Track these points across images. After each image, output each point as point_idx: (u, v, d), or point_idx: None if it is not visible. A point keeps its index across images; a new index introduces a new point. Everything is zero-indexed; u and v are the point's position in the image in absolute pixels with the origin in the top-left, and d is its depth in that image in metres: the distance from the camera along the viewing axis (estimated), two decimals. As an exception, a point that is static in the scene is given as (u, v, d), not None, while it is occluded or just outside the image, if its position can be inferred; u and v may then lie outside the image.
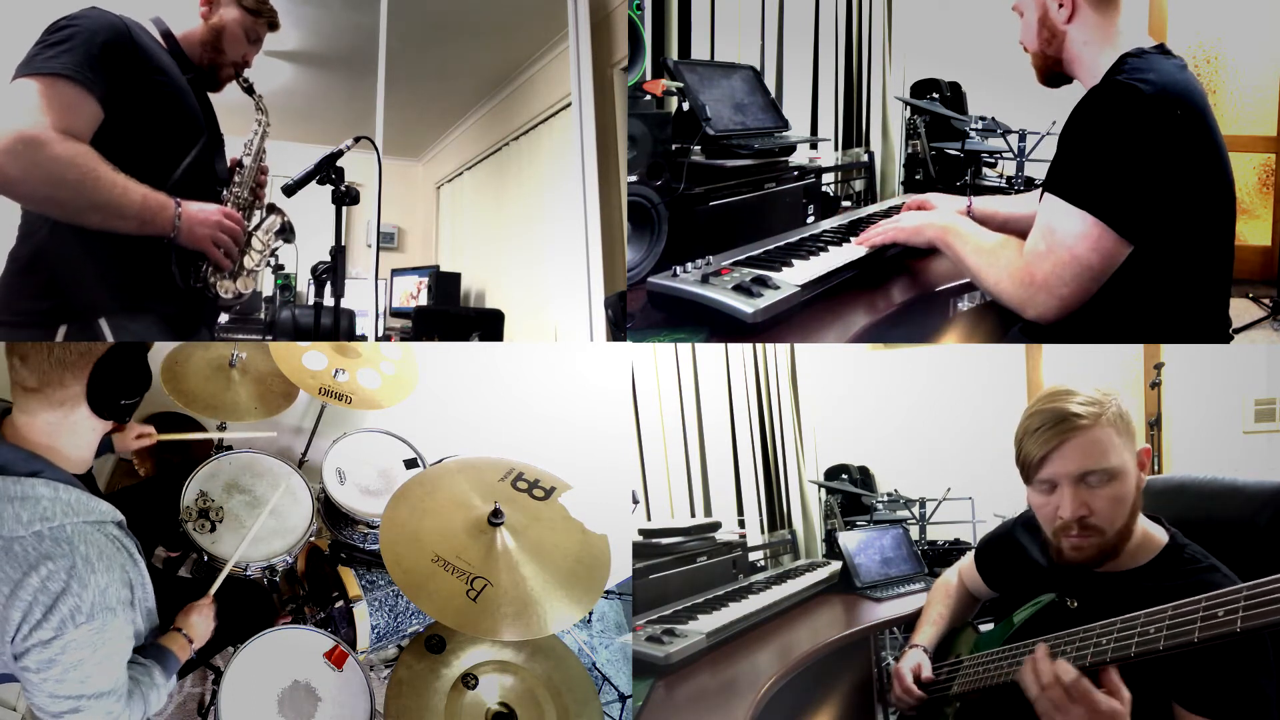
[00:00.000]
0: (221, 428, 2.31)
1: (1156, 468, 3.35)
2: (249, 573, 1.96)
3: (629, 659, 2.46)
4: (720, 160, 2.18)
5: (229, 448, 2.30)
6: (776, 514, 3.40)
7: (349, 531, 2.20)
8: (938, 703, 1.71)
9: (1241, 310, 3.44)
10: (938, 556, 3.13)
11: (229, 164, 2.00)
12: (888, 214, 2.29)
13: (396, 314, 3.85)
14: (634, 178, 2.08)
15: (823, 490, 3.57)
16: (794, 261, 1.95)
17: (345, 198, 2.03)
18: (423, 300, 3.87)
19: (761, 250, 2.06)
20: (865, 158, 3.42)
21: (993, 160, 3.26)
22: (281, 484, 2.07)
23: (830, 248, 2.06)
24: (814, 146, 2.97)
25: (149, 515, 1.86)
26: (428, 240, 4.18)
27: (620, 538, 2.13)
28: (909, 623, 2.17)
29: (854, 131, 3.45)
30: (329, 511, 2.20)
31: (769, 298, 1.73)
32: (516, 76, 3.91)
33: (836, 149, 3.36)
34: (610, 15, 3.51)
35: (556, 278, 3.55)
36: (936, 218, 1.97)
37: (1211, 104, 1.65)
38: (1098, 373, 3.61)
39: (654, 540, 2.38)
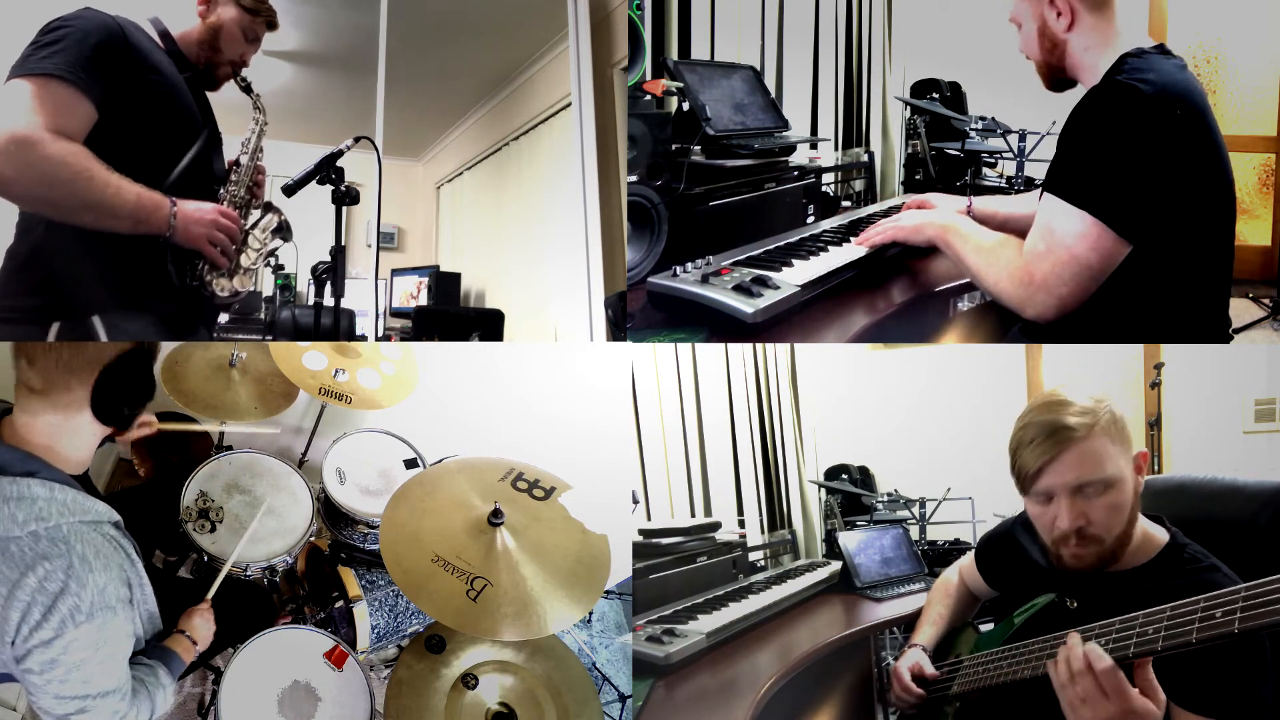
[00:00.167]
0: (222, 432, 2.32)
1: (1156, 468, 3.35)
2: (249, 573, 1.96)
3: (629, 659, 2.46)
4: (720, 160, 2.18)
5: (229, 448, 2.30)
6: (776, 514, 3.40)
7: (349, 531, 2.20)
8: (938, 703, 1.71)
9: (1241, 310, 3.44)
10: (938, 556, 3.13)
11: (227, 163, 2.00)
12: (888, 214, 2.29)
13: (396, 314, 3.85)
14: (634, 178, 2.08)
15: (823, 490, 3.57)
16: (794, 261, 1.95)
17: (345, 198, 2.03)
18: (423, 300, 3.87)
19: (761, 250, 2.06)
20: (865, 158, 3.42)
21: (993, 160, 3.26)
22: (281, 486, 2.06)
23: (830, 248, 2.06)
24: (814, 146, 2.97)
25: (147, 518, 1.86)
26: (428, 240, 4.18)
27: (620, 538, 2.13)
28: (909, 623, 2.17)
29: (854, 131, 3.45)
30: (329, 511, 2.20)
31: (769, 298, 1.73)
32: (516, 76, 3.91)
33: (836, 149, 3.36)
34: (610, 15, 3.51)
35: (556, 278, 3.54)
36: (936, 217, 1.97)
37: (1211, 104, 1.65)
38: (1098, 373, 3.61)
39: (654, 540, 2.38)
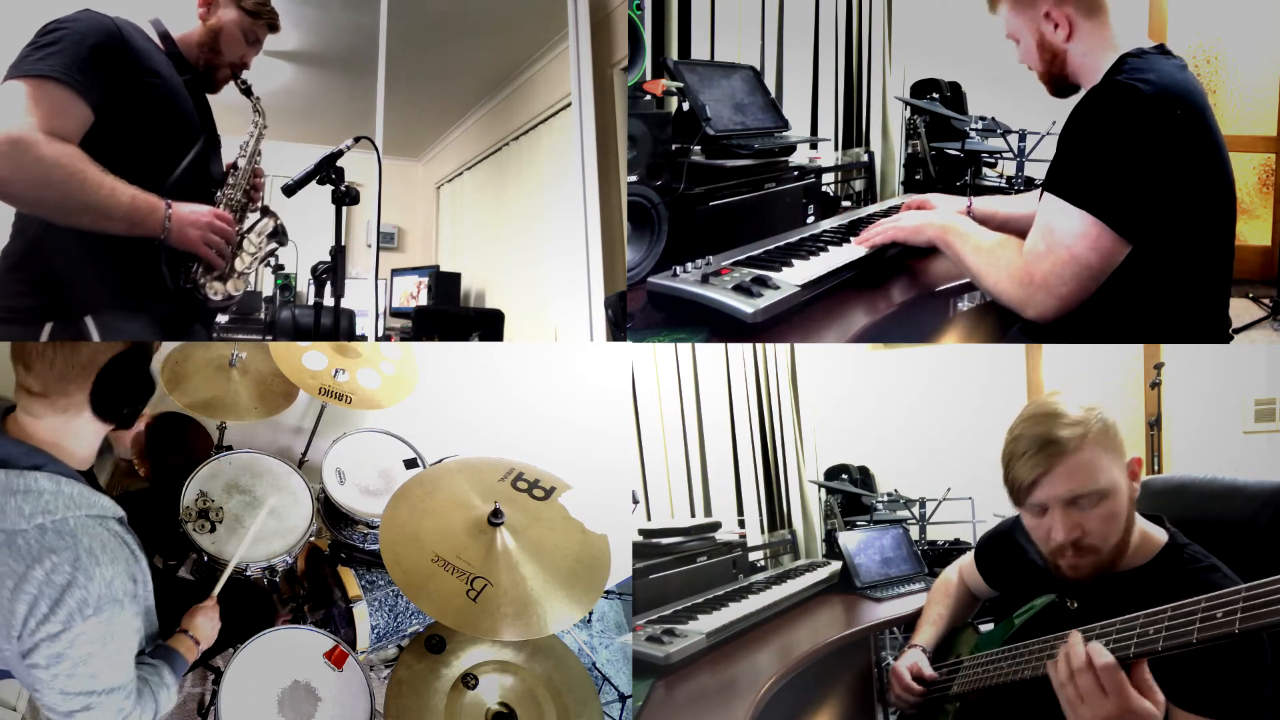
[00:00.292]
0: (222, 432, 2.32)
1: (1156, 467, 3.35)
2: (249, 573, 1.96)
3: (629, 659, 2.46)
4: (720, 160, 2.18)
5: (229, 448, 2.30)
6: (776, 514, 3.40)
7: (349, 531, 2.20)
8: (938, 703, 1.71)
9: (1241, 310, 3.44)
10: (938, 556, 3.13)
11: (225, 166, 2.00)
12: (887, 214, 2.29)
13: (396, 314, 3.85)
14: (634, 178, 2.08)
15: (823, 490, 3.57)
16: (794, 261, 1.95)
17: (345, 198, 2.03)
18: (423, 300, 3.87)
19: (761, 250, 2.06)
20: (865, 158, 3.42)
21: (993, 160, 3.26)
22: (281, 486, 2.06)
23: (830, 248, 2.06)
24: (814, 146, 2.97)
25: (146, 523, 1.86)
26: (428, 240, 4.18)
27: (620, 538, 2.13)
28: (909, 623, 2.17)
29: (854, 131, 3.45)
30: (329, 511, 2.20)
31: (769, 298, 1.73)
32: (516, 76, 3.91)
33: (836, 149, 3.36)
34: (610, 15, 3.51)
35: (556, 278, 3.54)
36: (936, 217, 1.97)
37: (1211, 104, 1.65)
38: (1097, 373, 3.62)
39: (654, 540, 2.38)
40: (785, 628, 2.25)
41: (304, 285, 3.45)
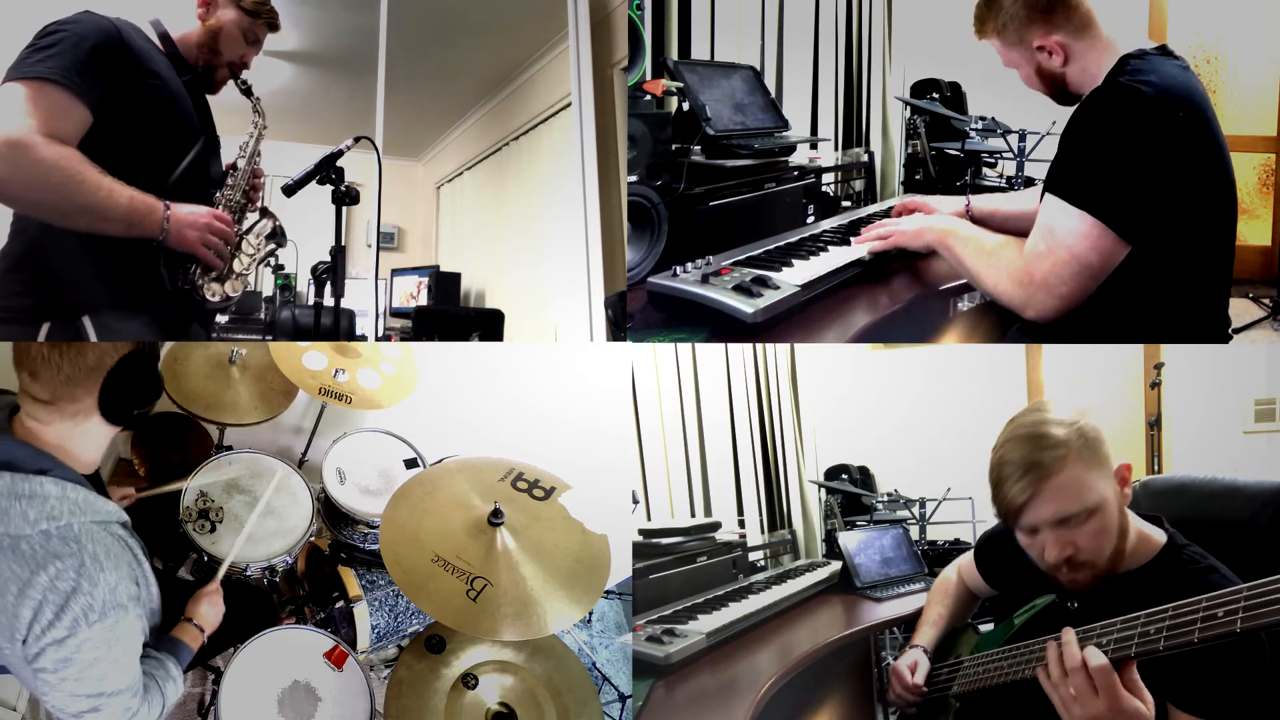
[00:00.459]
0: (222, 432, 2.32)
1: (1156, 467, 3.35)
2: (249, 573, 1.96)
3: (629, 659, 2.46)
4: (720, 160, 2.18)
5: (229, 448, 2.30)
6: (776, 514, 3.40)
7: (349, 531, 2.20)
8: (938, 703, 1.71)
9: (1241, 310, 3.44)
10: (938, 556, 3.13)
11: (224, 166, 2.00)
12: (887, 214, 2.30)
13: (396, 314, 3.85)
14: (634, 178, 2.08)
15: (823, 490, 3.57)
16: (794, 261, 1.95)
17: (345, 198, 2.03)
18: (423, 300, 3.87)
19: (761, 250, 2.06)
20: (865, 158, 3.42)
21: (993, 160, 3.26)
22: (276, 476, 2.04)
23: (830, 248, 2.06)
24: (814, 146, 2.97)
25: (146, 526, 1.86)
26: (428, 240, 4.18)
27: (620, 538, 2.13)
28: (909, 623, 2.17)
29: (854, 131, 3.45)
30: (329, 511, 2.20)
31: (769, 298, 1.73)
32: (516, 76, 3.91)
33: (836, 149, 3.36)
34: (610, 15, 3.51)
35: (556, 278, 3.54)
36: (936, 221, 1.97)
37: (1212, 104, 1.65)
38: (1097, 373, 3.62)
39: (654, 540, 2.38)
40: (785, 628, 2.25)
41: (304, 285, 3.45)
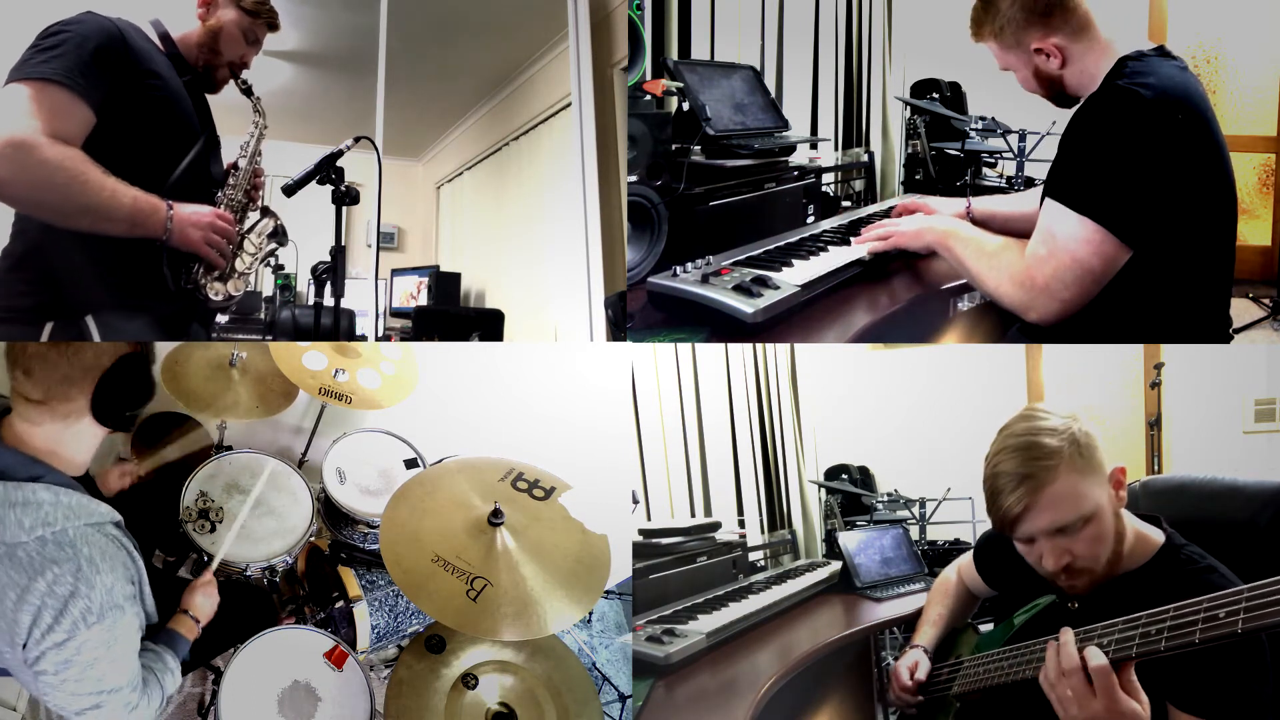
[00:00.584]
0: (222, 432, 2.32)
1: (1156, 468, 3.35)
2: (249, 573, 1.96)
3: (629, 659, 2.46)
4: (720, 160, 2.18)
5: (229, 448, 2.30)
6: (776, 514, 3.40)
7: (349, 531, 2.20)
8: (938, 703, 1.71)
9: (1241, 310, 3.43)
10: (938, 556, 3.13)
11: (225, 166, 2.00)
12: (888, 214, 2.29)
13: (396, 314, 3.85)
14: (634, 178, 2.08)
15: (823, 490, 3.57)
16: (794, 261, 1.95)
17: (345, 198, 2.03)
18: (423, 300, 3.87)
19: (761, 250, 2.06)
20: (865, 158, 3.42)
21: (993, 160, 3.26)
22: (265, 471, 2.04)
23: (830, 248, 2.06)
24: (814, 146, 2.97)
25: (147, 518, 1.86)
26: (428, 240, 4.18)
27: (620, 538, 2.13)
28: (909, 623, 2.17)
29: (854, 131, 3.45)
30: (329, 511, 2.20)
31: (769, 298, 1.73)
32: (516, 76, 3.91)
33: (836, 149, 3.36)
34: (610, 15, 3.51)
35: (556, 278, 3.54)
36: (937, 222, 1.97)
37: (1211, 104, 1.65)
38: (1098, 373, 3.62)
39: (654, 540, 2.38)
40: (785, 628, 2.25)
41: (304, 285, 3.45)
